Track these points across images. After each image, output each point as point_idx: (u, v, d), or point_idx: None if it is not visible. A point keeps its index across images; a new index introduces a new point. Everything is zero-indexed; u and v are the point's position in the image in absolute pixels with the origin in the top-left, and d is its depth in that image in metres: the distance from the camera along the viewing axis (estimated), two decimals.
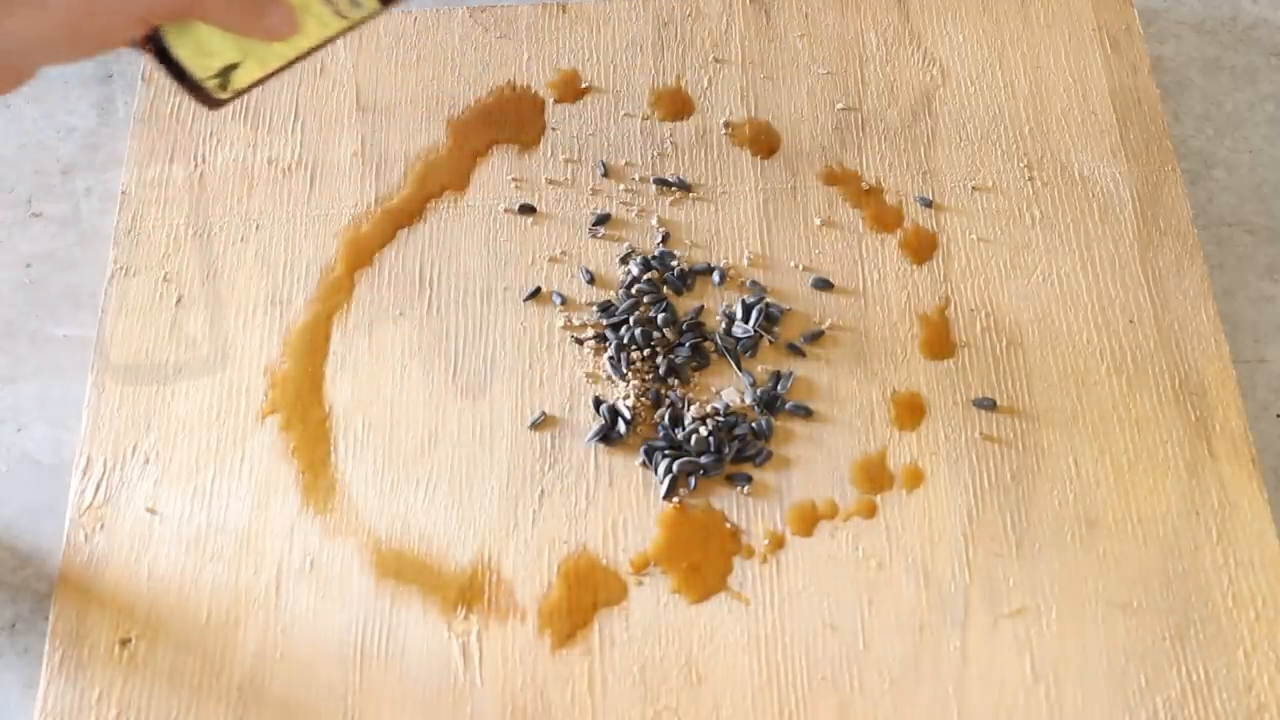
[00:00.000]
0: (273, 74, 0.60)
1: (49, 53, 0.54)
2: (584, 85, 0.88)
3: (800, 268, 0.80)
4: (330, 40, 0.59)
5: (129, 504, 0.73)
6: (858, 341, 0.77)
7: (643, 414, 0.75)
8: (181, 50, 0.58)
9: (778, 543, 0.71)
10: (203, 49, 0.58)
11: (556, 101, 0.87)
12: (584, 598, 0.69)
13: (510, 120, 0.86)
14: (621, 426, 0.74)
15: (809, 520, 0.71)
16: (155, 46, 0.58)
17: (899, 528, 0.71)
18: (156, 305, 0.79)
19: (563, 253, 0.81)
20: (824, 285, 0.79)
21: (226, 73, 0.58)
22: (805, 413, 0.75)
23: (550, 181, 0.84)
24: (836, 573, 0.70)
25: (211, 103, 0.60)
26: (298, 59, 0.59)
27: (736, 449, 0.73)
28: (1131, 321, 0.77)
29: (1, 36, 0.51)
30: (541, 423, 0.75)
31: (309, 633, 0.69)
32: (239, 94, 0.60)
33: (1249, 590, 0.68)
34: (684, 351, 0.77)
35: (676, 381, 0.76)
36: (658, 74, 0.88)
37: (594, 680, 0.67)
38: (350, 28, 0.58)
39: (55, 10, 0.51)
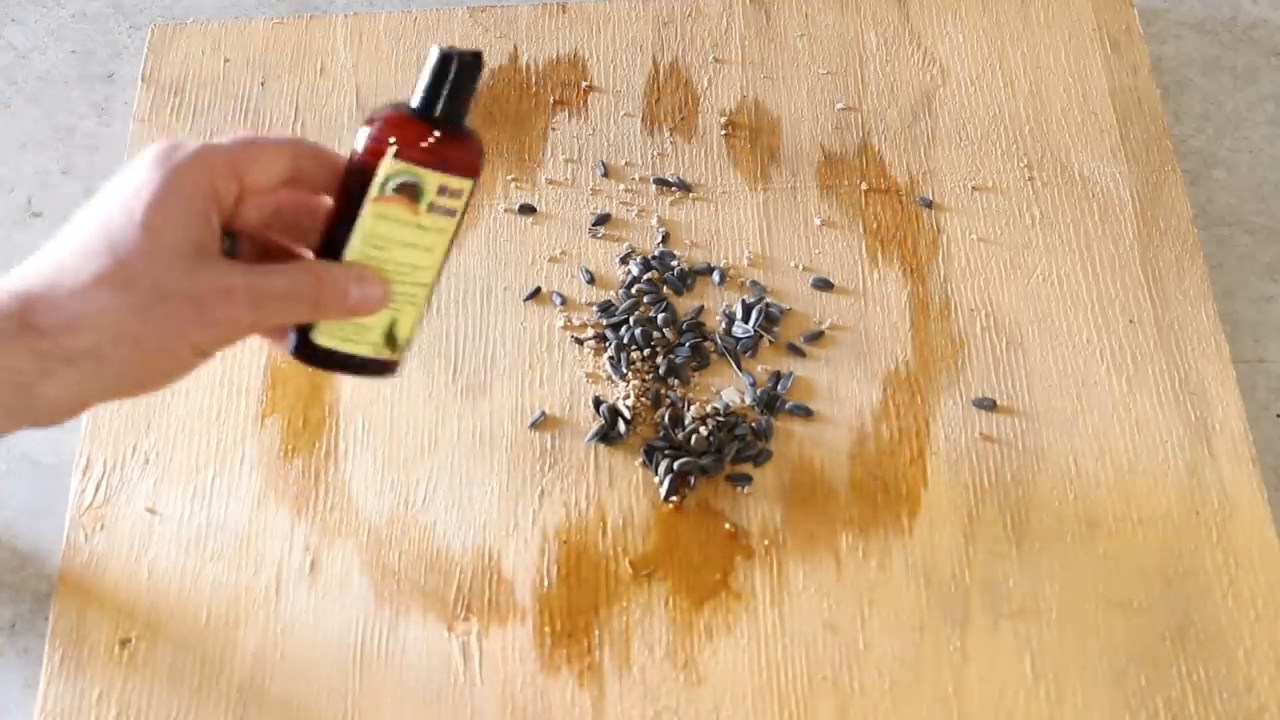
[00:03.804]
0: (428, 299, 0.57)
1: (107, 397, 0.53)
2: (584, 85, 0.88)
3: (800, 268, 0.80)
4: (450, 245, 0.56)
5: (129, 504, 0.73)
6: (858, 341, 0.77)
7: (643, 414, 0.75)
8: (335, 343, 0.55)
9: (777, 543, 0.71)
10: (351, 330, 0.55)
11: (556, 101, 0.87)
12: (584, 598, 0.69)
13: (510, 120, 0.86)
14: (621, 426, 0.74)
15: (809, 521, 0.71)
16: (310, 355, 0.55)
17: (899, 528, 0.71)
18: None
19: (563, 253, 0.81)
20: (824, 285, 0.79)
21: (391, 335, 0.56)
22: (805, 413, 0.75)
23: (550, 181, 0.84)
24: (836, 573, 0.70)
25: (392, 368, 0.57)
26: (438, 276, 0.56)
27: (736, 449, 0.73)
28: (1131, 321, 0.77)
29: (41, 397, 0.50)
30: (541, 423, 0.75)
31: (309, 633, 0.69)
32: (410, 343, 0.57)
33: (1249, 590, 0.68)
34: (684, 351, 0.77)
35: (676, 381, 0.76)
36: (658, 74, 0.88)
37: (594, 680, 0.67)
38: (457, 222, 0.55)
39: (111, 367, 0.50)
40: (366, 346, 0.55)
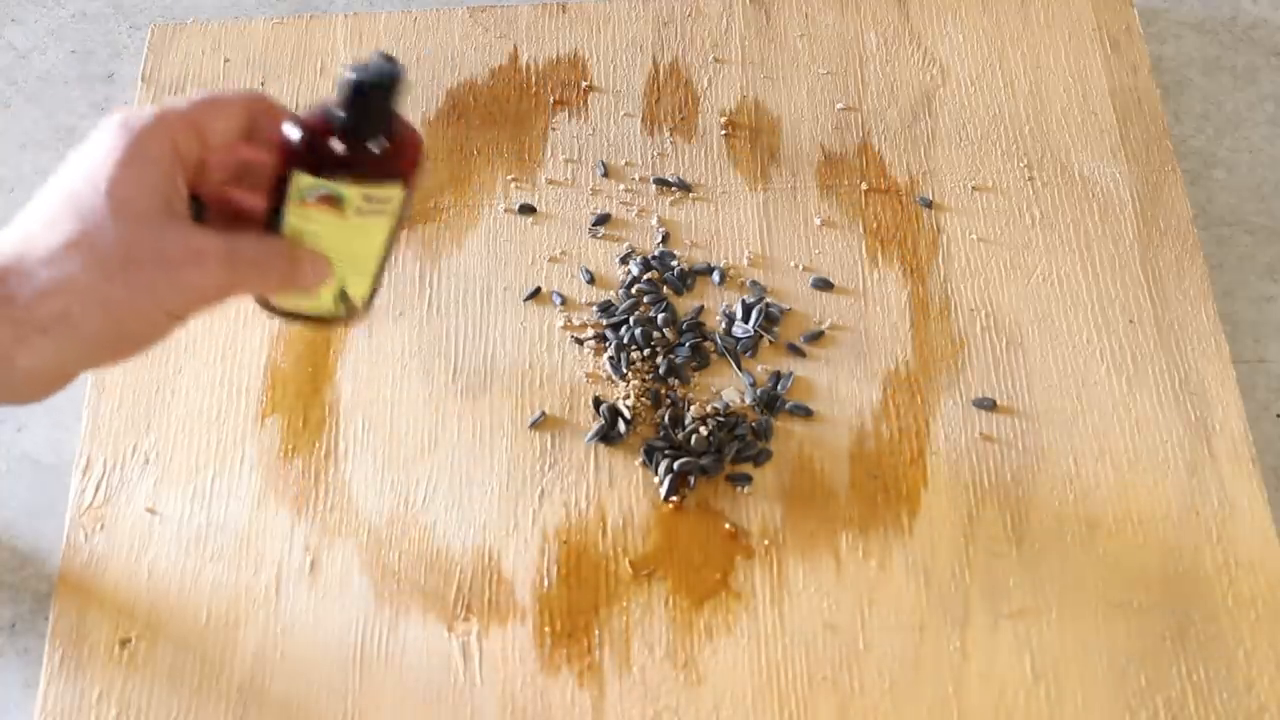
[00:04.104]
0: (381, 271, 0.58)
1: (84, 365, 0.52)
2: (584, 85, 0.88)
3: (800, 268, 0.80)
4: (397, 224, 0.56)
5: (129, 504, 0.73)
6: (858, 341, 0.77)
7: (643, 414, 0.75)
8: (289, 304, 0.57)
9: (777, 543, 0.71)
10: (303, 296, 0.56)
11: (556, 101, 0.87)
12: (584, 598, 0.69)
13: (510, 120, 0.86)
14: (621, 426, 0.74)
15: (809, 521, 0.71)
16: (268, 308, 0.57)
17: (899, 528, 0.71)
18: None
19: (563, 253, 0.81)
20: (824, 285, 0.79)
21: (344, 297, 0.57)
22: (805, 413, 0.75)
23: (550, 181, 0.84)
24: (836, 573, 0.70)
25: (354, 318, 0.59)
26: (388, 253, 0.57)
27: (736, 449, 0.73)
28: (1131, 321, 0.77)
29: (18, 368, 0.50)
30: (541, 423, 0.75)
31: (309, 633, 0.69)
32: (369, 301, 0.58)
33: (1249, 590, 0.68)
34: (684, 351, 0.77)
35: (676, 381, 0.76)
36: (657, 74, 0.88)
37: (594, 680, 0.67)
38: (394, 217, 0.55)
39: (84, 332, 0.50)
40: (319, 308, 0.57)
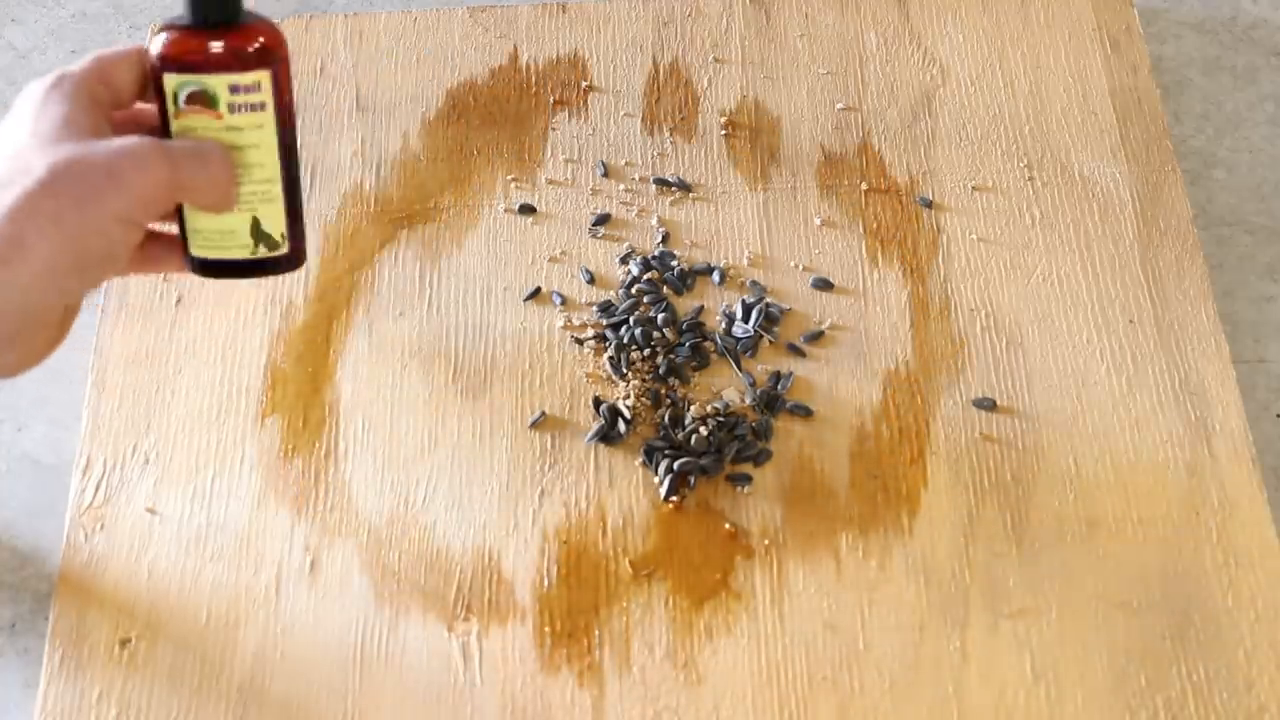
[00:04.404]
0: (289, 198, 0.58)
1: (57, 292, 0.53)
2: (584, 85, 0.88)
3: (800, 268, 0.80)
4: (282, 135, 0.57)
5: (129, 504, 0.73)
6: (858, 341, 0.77)
7: (643, 414, 0.75)
8: (209, 253, 0.58)
9: (777, 543, 0.71)
10: (218, 237, 0.58)
11: (556, 101, 0.87)
12: (584, 598, 0.69)
13: (510, 120, 0.86)
14: (621, 426, 0.74)
15: (809, 521, 0.71)
16: (200, 268, 0.59)
17: (899, 528, 0.71)
18: (156, 305, 0.79)
19: (563, 253, 0.81)
20: (824, 285, 0.79)
21: (259, 232, 0.58)
22: (805, 413, 0.75)
23: (550, 181, 0.84)
24: (836, 573, 0.70)
25: (288, 262, 0.59)
26: (289, 175, 0.58)
27: (736, 449, 0.73)
28: (1131, 321, 0.77)
29: None
30: (541, 423, 0.75)
31: (309, 633, 0.69)
32: (290, 236, 0.59)
33: (1249, 590, 0.68)
34: (684, 351, 0.77)
35: (676, 381, 0.76)
36: (657, 74, 0.88)
37: (594, 680, 0.67)
38: (275, 114, 0.57)
39: (41, 254, 0.50)
40: (239, 249, 0.58)
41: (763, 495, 0.72)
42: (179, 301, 0.79)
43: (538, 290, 0.79)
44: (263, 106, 0.56)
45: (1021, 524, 0.71)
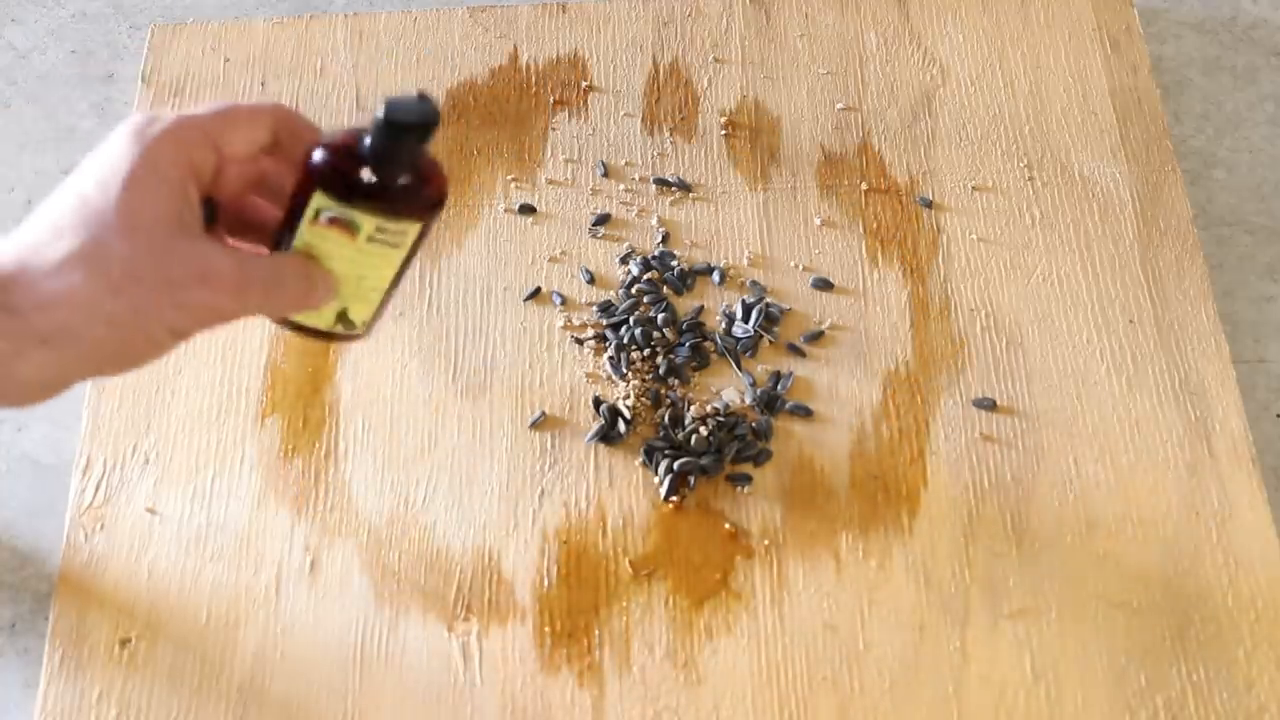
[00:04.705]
0: (387, 298, 0.57)
1: (84, 375, 0.51)
2: (584, 85, 0.88)
3: (800, 268, 0.80)
4: (408, 259, 0.56)
5: (129, 504, 0.73)
6: (858, 341, 0.77)
7: (643, 414, 0.75)
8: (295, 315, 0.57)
9: (777, 543, 0.71)
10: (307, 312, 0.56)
11: (556, 101, 0.87)
12: (584, 598, 0.69)
13: (510, 120, 0.86)
14: (621, 426, 0.74)
15: (809, 521, 0.71)
16: (278, 319, 0.57)
17: (899, 528, 0.71)
18: None
19: (563, 253, 0.81)
20: (824, 285, 0.79)
21: (344, 318, 0.56)
22: (805, 413, 0.75)
23: (550, 181, 0.84)
24: (836, 573, 0.70)
25: (353, 337, 0.58)
26: (394, 284, 0.57)
27: (736, 449, 0.73)
28: (1131, 321, 0.77)
29: (17, 379, 0.49)
30: (541, 423, 0.75)
31: (309, 633, 0.69)
32: (369, 325, 0.58)
33: (1249, 590, 0.68)
34: (684, 351, 0.77)
35: (676, 381, 0.76)
36: (657, 74, 0.88)
37: (594, 680, 0.67)
38: (406, 252, 0.55)
39: (85, 345, 0.49)
40: (317, 321, 0.56)
41: (763, 495, 0.72)
42: None
43: (538, 290, 0.79)
44: (399, 245, 0.54)
45: (1021, 524, 0.71)
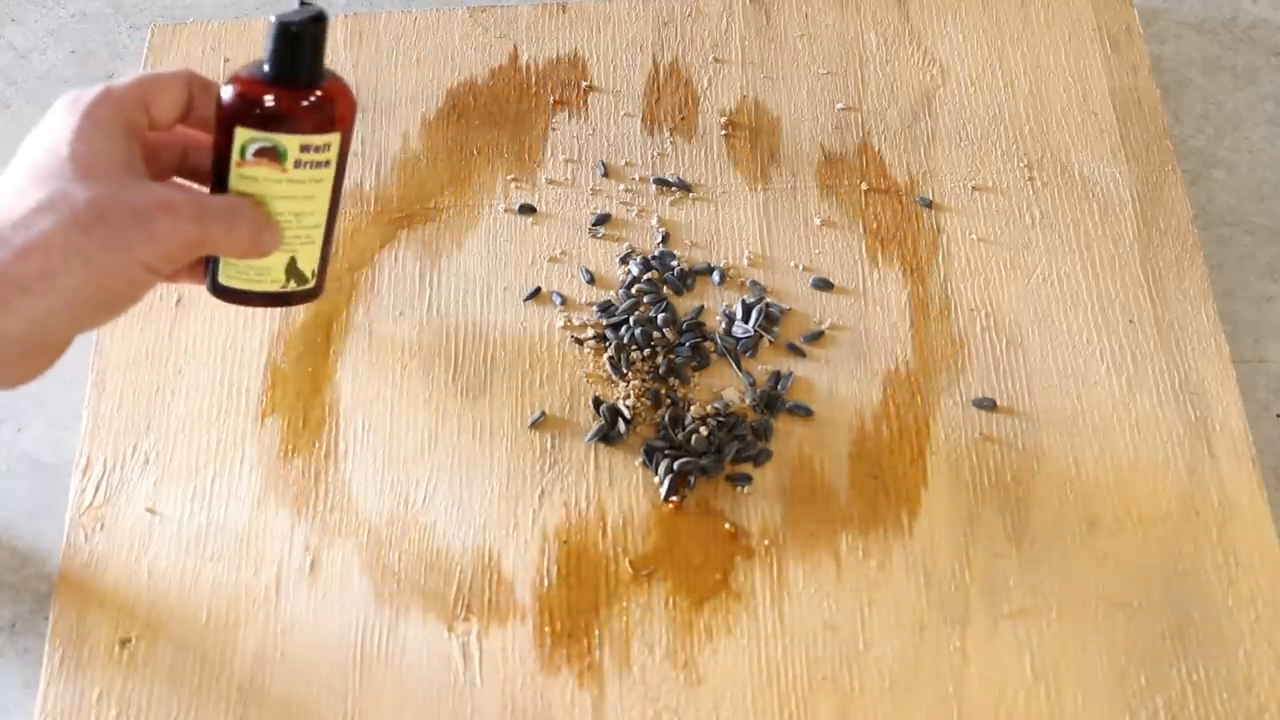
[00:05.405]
0: (328, 238, 0.59)
1: (68, 328, 0.54)
2: (584, 85, 0.88)
3: (800, 268, 0.80)
4: (335, 188, 0.58)
5: (129, 504, 0.73)
6: (858, 341, 0.77)
7: (643, 414, 0.75)
8: (240, 284, 0.59)
9: (777, 543, 0.71)
10: (252, 272, 0.58)
11: (556, 101, 0.87)
12: (584, 598, 0.69)
13: (510, 120, 0.86)
14: (621, 426, 0.74)
15: (809, 521, 0.71)
16: (220, 294, 0.59)
17: (899, 528, 0.71)
18: (156, 305, 0.79)
19: (563, 253, 0.81)
20: (824, 285, 0.79)
21: (293, 270, 0.58)
22: (805, 413, 0.75)
23: (550, 181, 0.84)
24: (836, 573, 0.70)
25: (311, 294, 0.60)
26: (331, 220, 0.59)
27: (736, 449, 0.73)
28: (1131, 321, 0.77)
29: (2, 332, 0.51)
30: (541, 423, 0.75)
31: (309, 633, 0.69)
32: (319, 273, 0.60)
33: (1249, 590, 0.68)
34: (684, 351, 0.77)
35: (676, 381, 0.76)
36: (657, 74, 0.88)
37: (594, 680, 0.67)
38: (335, 170, 0.57)
39: (66, 288, 0.51)
40: (270, 284, 0.58)
41: (763, 495, 0.72)
42: (179, 302, 0.79)
43: (538, 290, 0.79)
44: (327, 164, 0.56)
45: (1021, 524, 0.71)
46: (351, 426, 0.75)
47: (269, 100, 0.54)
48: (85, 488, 0.73)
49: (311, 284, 0.60)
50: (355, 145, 0.85)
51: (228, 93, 0.54)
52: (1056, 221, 0.81)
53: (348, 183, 0.84)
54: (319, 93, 0.55)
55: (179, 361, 0.77)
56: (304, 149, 0.55)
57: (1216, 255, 0.82)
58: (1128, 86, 0.86)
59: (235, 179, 0.55)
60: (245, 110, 0.54)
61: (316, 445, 0.74)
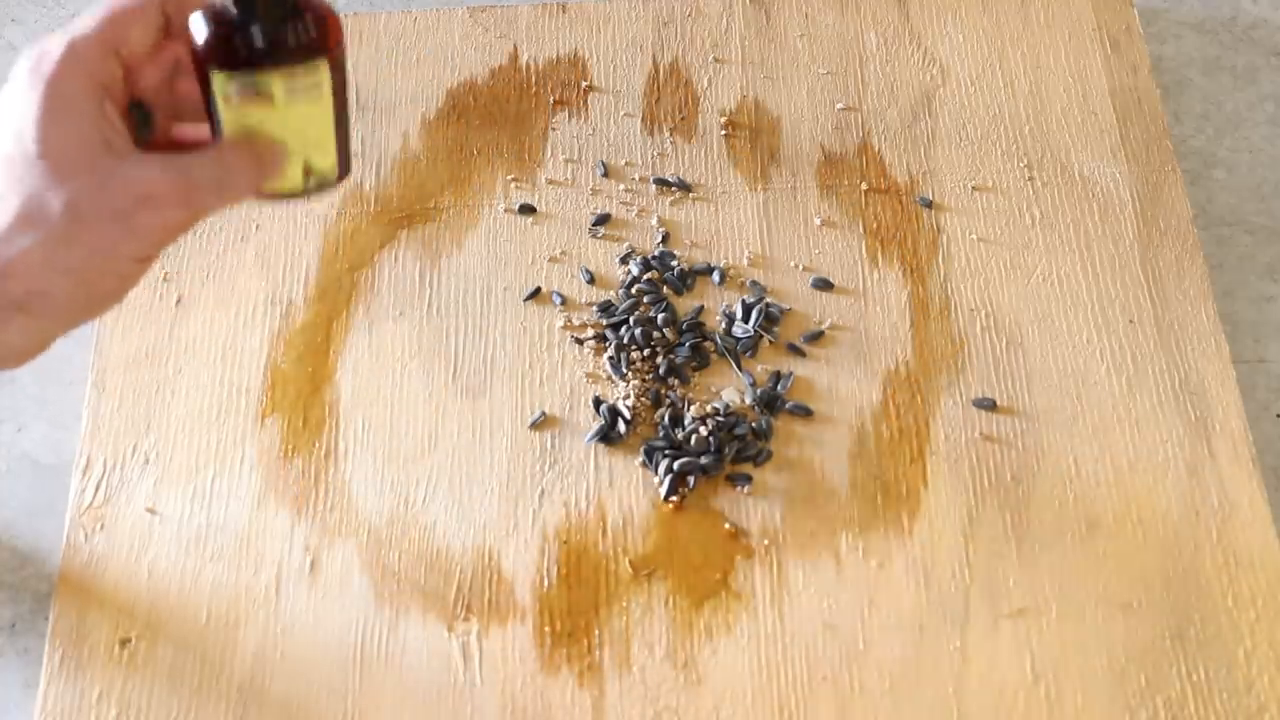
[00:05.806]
0: (345, 140, 0.55)
1: (68, 327, 0.52)
2: (584, 85, 0.88)
3: (800, 268, 0.80)
4: (340, 95, 0.54)
5: (129, 504, 0.73)
6: (858, 341, 0.77)
7: (643, 414, 0.75)
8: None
9: (777, 543, 0.71)
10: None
11: (556, 101, 0.87)
12: (584, 598, 0.69)
13: (510, 120, 0.86)
14: (621, 426, 0.74)
15: (809, 521, 0.71)
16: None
17: (899, 528, 0.71)
18: (156, 305, 0.79)
19: (563, 253, 0.81)
20: (824, 285, 0.79)
21: (309, 171, 0.54)
22: (805, 413, 0.75)
23: (550, 181, 0.84)
24: (836, 572, 0.70)
25: (336, 184, 0.56)
26: (341, 119, 0.55)
27: (736, 449, 0.73)
28: (1131, 321, 0.77)
29: (6, 344, 0.50)
30: (541, 423, 0.75)
31: (309, 633, 0.69)
32: (340, 163, 0.56)
33: (1249, 590, 0.68)
34: (684, 351, 0.77)
35: (676, 381, 0.76)
36: (657, 74, 0.88)
37: (594, 680, 0.67)
38: (330, 92, 0.53)
39: (59, 301, 0.50)
40: (289, 187, 0.54)
41: (763, 495, 0.72)
42: (179, 301, 0.79)
43: (538, 290, 0.79)
44: (319, 87, 0.52)
45: (1021, 524, 0.71)
46: (351, 426, 0.75)
47: (240, 38, 0.49)
48: (85, 488, 0.73)
49: (333, 177, 0.56)
50: (355, 145, 0.85)
51: (195, 30, 0.50)
52: (1056, 221, 0.81)
53: (348, 183, 0.83)
54: (295, 21, 0.50)
55: (179, 361, 0.77)
56: (291, 82, 0.51)
57: (1216, 255, 0.82)
58: (1128, 86, 0.86)
59: (226, 121, 0.51)
60: (217, 54, 0.49)
61: (316, 445, 0.74)
